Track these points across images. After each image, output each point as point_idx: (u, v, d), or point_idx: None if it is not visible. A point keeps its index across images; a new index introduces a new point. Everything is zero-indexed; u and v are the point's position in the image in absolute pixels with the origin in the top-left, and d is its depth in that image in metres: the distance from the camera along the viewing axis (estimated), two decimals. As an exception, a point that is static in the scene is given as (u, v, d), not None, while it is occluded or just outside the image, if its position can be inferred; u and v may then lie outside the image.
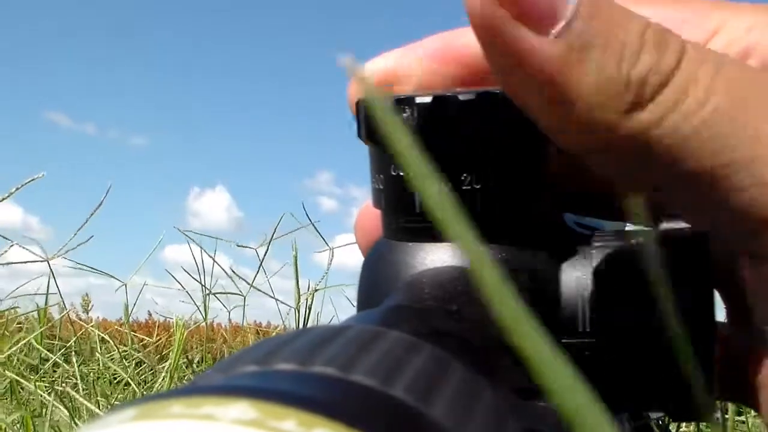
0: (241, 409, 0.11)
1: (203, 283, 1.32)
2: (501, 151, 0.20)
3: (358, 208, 0.26)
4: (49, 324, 1.55)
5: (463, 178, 0.20)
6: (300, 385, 0.12)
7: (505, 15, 0.17)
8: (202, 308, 1.35)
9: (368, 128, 0.21)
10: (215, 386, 0.12)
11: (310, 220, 1.22)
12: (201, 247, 1.31)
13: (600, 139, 0.17)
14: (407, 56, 0.23)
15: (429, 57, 0.23)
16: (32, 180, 1.05)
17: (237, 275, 1.32)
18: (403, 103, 0.20)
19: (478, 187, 0.20)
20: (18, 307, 1.45)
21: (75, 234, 1.17)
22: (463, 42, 0.23)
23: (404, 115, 0.20)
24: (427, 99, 0.20)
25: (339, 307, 1.42)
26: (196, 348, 1.85)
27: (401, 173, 0.21)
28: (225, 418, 0.10)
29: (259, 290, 1.29)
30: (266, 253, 1.26)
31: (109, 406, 1.13)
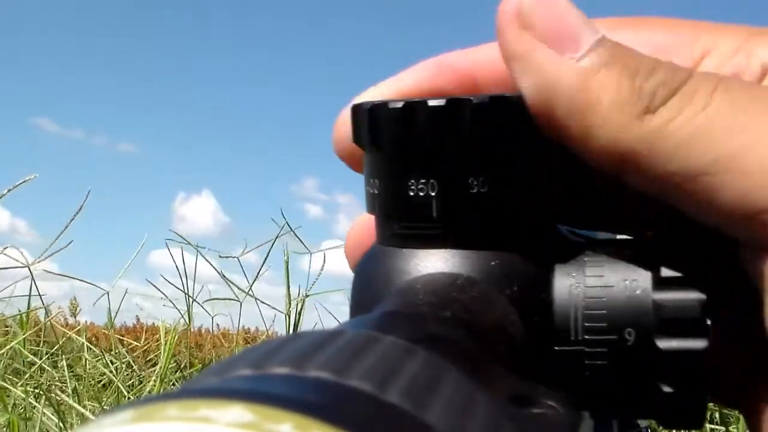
0: (238, 411, 0.11)
1: (186, 291, 1.32)
2: (508, 156, 0.20)
3: (344, 215, 0.26)
4: (36, 327, 1.54)
5: (470, 181, 0.20)
6: (296, 388, 0.12)
7: (532, 38, 0.20)
8: (186, 314, 1.35)
9: (367, 133, 0.21)
10: (211, 389, 0.12)
11: (290, 228, 1.22)
12: (198, 251, 1.30)
13: (615, 141, 0.19)
14: (409, 77, 0.24)
15: (431, 70, 0.23)
16: (24, 181, 1.05)
17: (230, 282, 1.32)
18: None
19: (484, 191, 0.20)
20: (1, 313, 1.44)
21: (56, 239, 1.17)
22: (454, 58, 0.23)
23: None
24: (442, 102, 0.20)
25: (324, 313, 1.43)
26: (183, 353, 1.84)
27: (397, 178, 0.21)
28: (221, 421, 0.10)
29: (254, 297, 1.28)
30: (264, 262, 1.26)
31: (98, 410, 1.13)
